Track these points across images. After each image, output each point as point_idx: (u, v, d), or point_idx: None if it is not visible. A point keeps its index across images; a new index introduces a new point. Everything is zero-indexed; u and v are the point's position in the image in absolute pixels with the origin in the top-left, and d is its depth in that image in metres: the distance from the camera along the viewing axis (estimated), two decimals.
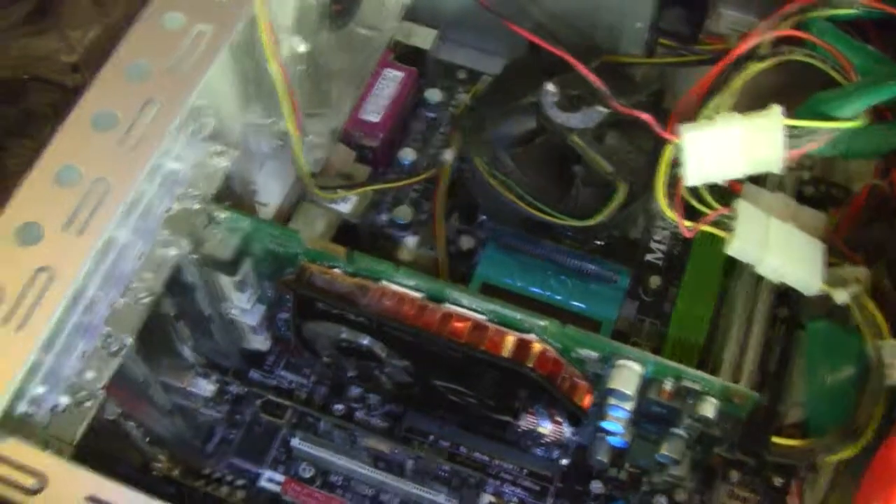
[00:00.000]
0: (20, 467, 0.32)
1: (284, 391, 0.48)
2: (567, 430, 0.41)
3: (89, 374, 0.36)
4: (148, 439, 0.42)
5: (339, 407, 0.46)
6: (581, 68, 0.44)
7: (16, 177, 0.35)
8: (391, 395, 0.46)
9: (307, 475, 0.45)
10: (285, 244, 0.40)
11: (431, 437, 0.45)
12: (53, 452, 0.33)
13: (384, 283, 0.40)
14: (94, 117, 0.38)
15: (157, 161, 0.37)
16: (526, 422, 0.41)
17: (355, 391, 0.47)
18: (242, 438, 0.46)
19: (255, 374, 0.48)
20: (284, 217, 0.48)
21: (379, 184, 0.49)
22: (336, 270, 0.40)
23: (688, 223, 0.41)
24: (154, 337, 0.39)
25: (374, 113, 0.51)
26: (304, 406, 0.47)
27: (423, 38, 0.53)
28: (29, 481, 0.32)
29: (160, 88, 0.38)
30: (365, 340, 0.41)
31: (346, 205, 0.48)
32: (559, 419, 0.41)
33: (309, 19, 0.44)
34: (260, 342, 0.47)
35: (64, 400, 0.35)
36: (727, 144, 0.40)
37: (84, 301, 0.36)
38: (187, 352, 0.44)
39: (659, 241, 0.48)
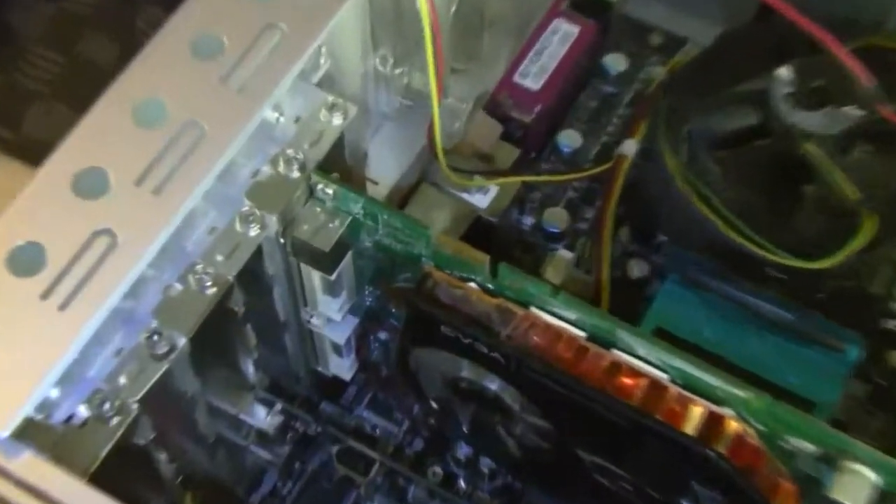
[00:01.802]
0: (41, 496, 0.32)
1: (365, 437, 0.47)
2: None
3: (122, 381, 0.35)
4: (181, 478, 0.42)
5: (438, 469, 0.46)
6: (836, 49, 0.43)
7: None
8: (513, 464, 0.45)
9: None
10: (407, 240, 0.40)
11: None
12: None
13: (534, 310, 0.39)
14: (195, 39, 0.38)
15: (268, 110, 0.38)
16: None
17: (464, 451, 0.46)
18: (300, 495, 0.46)
19: (328, 407, 0.48)
20: (399, 202, 0.48)
21: (529, 174, 0.49)
22: (471, 285, 0.39)
23: None
24: (213, 341, 0.38)
25: (533, 77, 0.51)
26: (392, 460, 0.47)
27: None
28: None
29: (286, 11, 0.39)
30: (494, 384, 0.41)
31: (483, 196, 0.48)
32: None
33: None
34: (342, 367, 0.47)
35: (83, 411, 0.34)
36: None
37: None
38: (250, 367, 0.44)
39: None
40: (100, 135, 0.37)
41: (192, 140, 0.37)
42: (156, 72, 0.38)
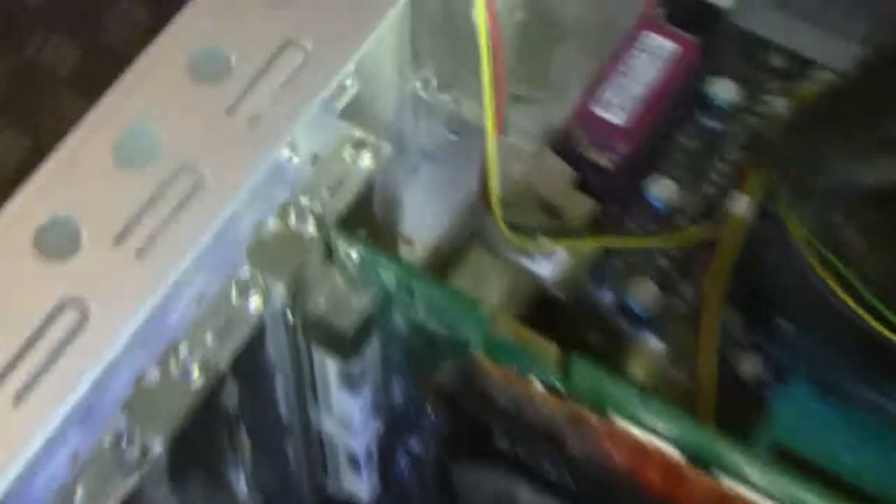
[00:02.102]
0: None
1: None
2: None
3: (79, 496, 0.36)
4: None
5: None
6: None
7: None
8: None
9: None
10: (452, 320, 0.41)
11: None
12: None
13: (615, 418, 0.39)
14: (194, 56, 0.40)
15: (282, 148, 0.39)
16: None
17: None
18: None
19: None
20: (440, 268, 0.48)
21: (610, 235, 0.50)
22: (533, 382, 0.41)
23: None
24: (196, 447, 0.39)
25: (617, 108, 0.51)
26: None
27: None
28: None
29: (310, 23, 0.40)
30: None
31: (549, 263, 0.48)
32: None
33: None
34: (360, 485, 0.47)
35: None
36: None
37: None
38: (241, 482, 0.44)
39: None
40: (71, 177, 0.38)
41: (188, 187, 0.38)
42: (144, 97, 0.39)
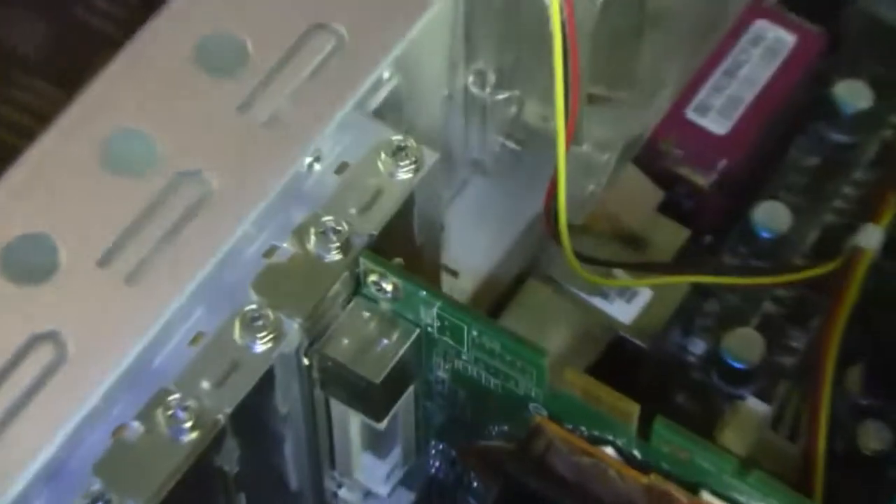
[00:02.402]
0: None
1: None
2: None
3: None
4: None
5: None
6: None
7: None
8: None
9: None
10: (507, 371, 0.42)
11: None
12: None
13: (707, 496, 0.40)
14: (204, 43, 0.41)
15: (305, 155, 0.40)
16: None
17: None
18: None
19: None
20: (490, 305, 0.50)
21: (703, 272, 0.51)
22: (607, 450, 0.41)
23: None
24: None
25: (718, 114, 0.52)
26: None
27: None
28: None
29: (341, 5, 0.42)
30: None
31: (628, 305, 0.49)
32: None
33: None
34: None
35: None
36: None
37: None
38: None
39: None
40: (47, 186, 0.40)
41: (190, 201, 0.40)
42: (139, 90, 0.41)
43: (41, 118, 0.53)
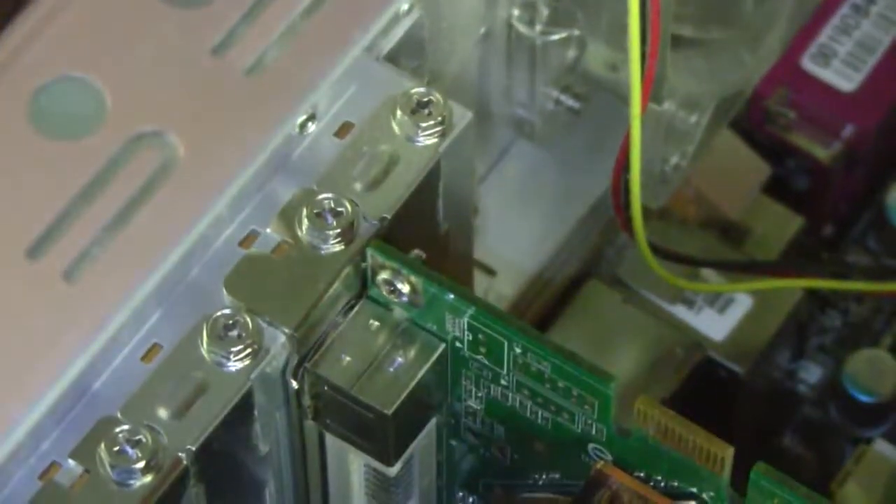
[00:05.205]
0: None
1: None
2: None
3: None
4: None
5: None
6: None
7: None
8: None
9: None
10: (562, 402, 0.43)
11: None
12: None
13: None
14: None
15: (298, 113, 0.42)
16: None
17: None
18: None
19: None
20: (538, 313, 0.51)
21: (820, 275, 0.52)
22: None
23: None
24: None
25: (844, 65, 0.54)
26: None
27: None
28: None
29: None
30: None
31: (720, 316, 0.51)
32: None
33: None
34: None
35: None
36: None
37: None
38: None
39: None
40: None
41: (149, 170, 0.41)
42: (83, 26, 0.42)
43: None
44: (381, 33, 0.43)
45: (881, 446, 0.50)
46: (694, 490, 0.43)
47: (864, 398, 0.51)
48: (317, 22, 0.42)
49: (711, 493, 0.43)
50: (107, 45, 0.42)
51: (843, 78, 0.52)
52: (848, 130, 0.52)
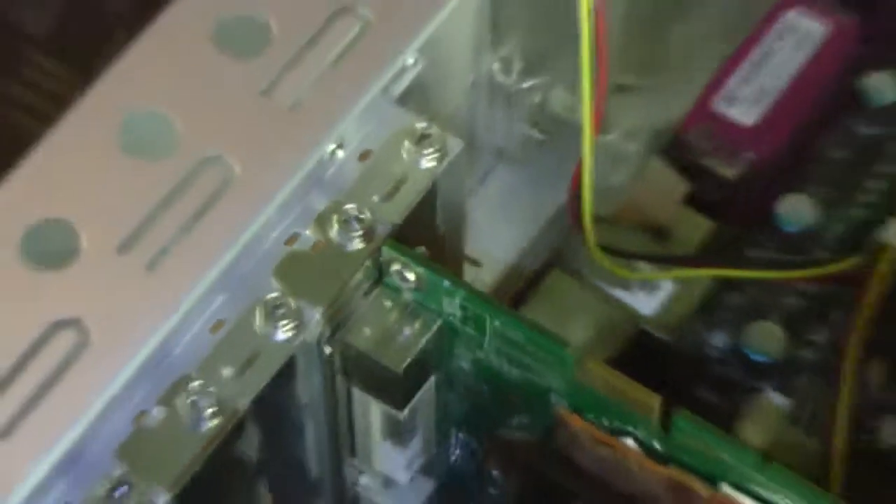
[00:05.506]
0: None
1: None
2: None
3: None
4: None
5: None
6: None
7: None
8: None
9: None
10: (531, 363, 0.42)
11: None
12: None
13: (727, 489, 0.41)
14: (226, 22, 0.42)
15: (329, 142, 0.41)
16: None
17: None
18: None
19: None
20: (513, 296, 0.50)
21: (728, 266, 0.51)
22: (628, 442, 0.41)
23: None
24: (207, 503, 0.41)
25: (747, 105, 0.52)
26: None
27: None
28: None
29: None
30: None
31: (650, 297, 0.50)
32: None
33: None
34: None
35: None
36: None
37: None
38: None
39: None
40: (66, 170, 0.40)
41: (212, 187, 0.40)
42: (161, 71, 0.41)
43: (54, 99, 0.52)
44: (393, 81, 0.43)
45: (771, 396, 0.50)
46: (631, 429, 0.42)
47: (758, 359, 0.51)
48: (342, 71, 0.42)
49: (644, 432, 0.42)
50: (180, 87, 0.42)
51: (745, 116, 0.51)
52: (749, 155, 0.52)
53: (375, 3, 0.43)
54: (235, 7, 0.43)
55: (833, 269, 0.52)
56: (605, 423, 0.42)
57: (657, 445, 0.42)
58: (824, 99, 0.55)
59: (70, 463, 0.39)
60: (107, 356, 0.39)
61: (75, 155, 0.41)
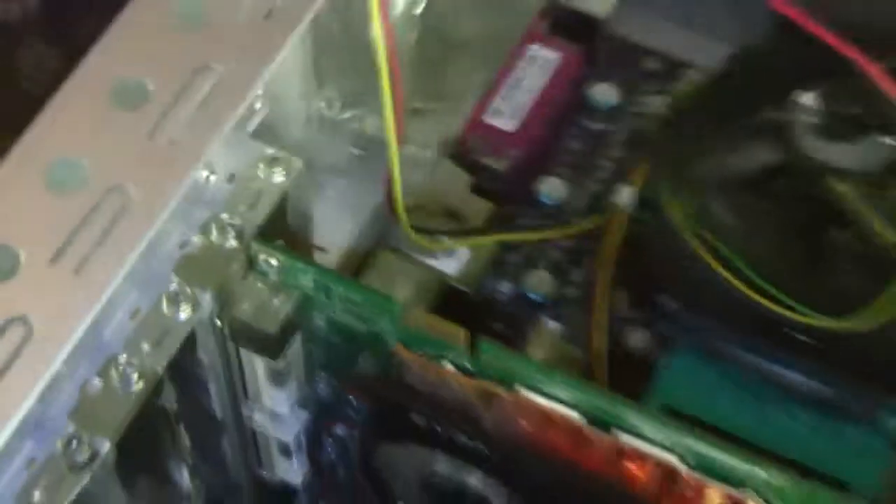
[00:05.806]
0: None
1: None
2: None
3: (37, 498, 0.38)
4: None
5: None
6: (870, 69, 0.44)
7: None
8: None
9: None
10: (368, 316, 0.43)
11: None
12: None
13: (521, 391, 0.41)
14: (117, 85, 0.41)
15: (201, 169, 0.41)
16: None
17: None
18: None
19: None
20: (352, 272, 0.50)
21: (505, 232, 0.52)
22: (447, 366, 0.42)
23: None
24: (141, 446, 0.41)
25: (507, 116, 0.53)
26: None
27: None
28: None
29: (219, 49, 0.42)
30: (475, 479, 0.43)
31: (452, 261, 0.50)
32: None
33: None
34: (291, 470, 0.49)
35: None
36: None
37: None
38: (184, 476, 0.46)
39: None
40: (6, 205, 0.40)
41: (117, 208, 0.40)
42: (71, 126, 0.41)
43: None
44: (245, 119, 0.43)
45: (547, 323, 0.51)
46: (447, 355, 0.42)
47: (535, 298, 0.52)
48: (207, 114, 0.42)
49: (458, 356, 0.42)
50: (87, 137, 0.42)
51: (507, 124, 0.52)
52: (513, 152, 0.52)
53: (227, 61, 0.43)
54: (123, 72, 0.43)
55: (581, 228, 0.53)
56: (429, 353, 0.42)
57: (468, 365, 0.42)
58: (563, 106, 0.56)
59: (32, 427, 0.38)
60: (49, 343, 0.38)
61: (11, 192, 0.41)
